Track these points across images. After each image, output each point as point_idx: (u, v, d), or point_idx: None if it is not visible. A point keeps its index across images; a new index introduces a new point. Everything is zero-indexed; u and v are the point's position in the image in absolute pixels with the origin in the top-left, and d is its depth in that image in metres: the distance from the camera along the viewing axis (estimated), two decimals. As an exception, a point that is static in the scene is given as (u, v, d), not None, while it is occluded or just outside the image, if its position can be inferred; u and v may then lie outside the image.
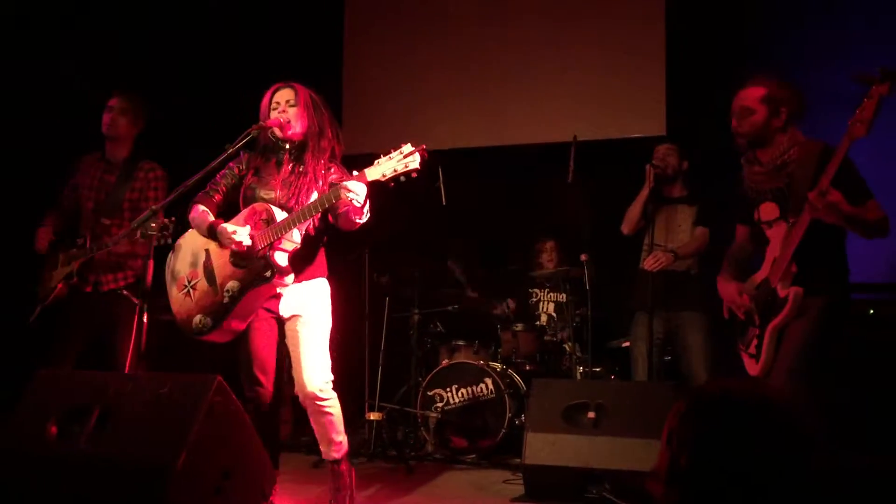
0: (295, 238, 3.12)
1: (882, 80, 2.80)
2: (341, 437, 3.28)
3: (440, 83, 6.23)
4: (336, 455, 3.27)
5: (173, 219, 3.01)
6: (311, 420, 3.25)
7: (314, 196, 3.14)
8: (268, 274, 3.04)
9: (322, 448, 3.29)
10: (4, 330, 4.61)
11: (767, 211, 3.13)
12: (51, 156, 4.58)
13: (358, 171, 3.06)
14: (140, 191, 3.95)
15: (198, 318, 3.16)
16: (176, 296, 3.26)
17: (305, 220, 3.09)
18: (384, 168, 2.95)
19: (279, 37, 6.17)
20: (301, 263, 3.20)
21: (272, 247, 3.07)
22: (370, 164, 3.02)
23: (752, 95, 3.11)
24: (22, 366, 3.81)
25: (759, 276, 3.14)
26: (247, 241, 3.08)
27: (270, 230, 3.08)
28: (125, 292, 3.91)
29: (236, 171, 3.32)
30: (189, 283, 3.23)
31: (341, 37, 6.56)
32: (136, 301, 3.90)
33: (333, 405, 3.23)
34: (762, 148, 3.13)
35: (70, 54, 5.21)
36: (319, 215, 3.16)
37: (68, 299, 3.89)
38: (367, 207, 3.04)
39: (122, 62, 5.38)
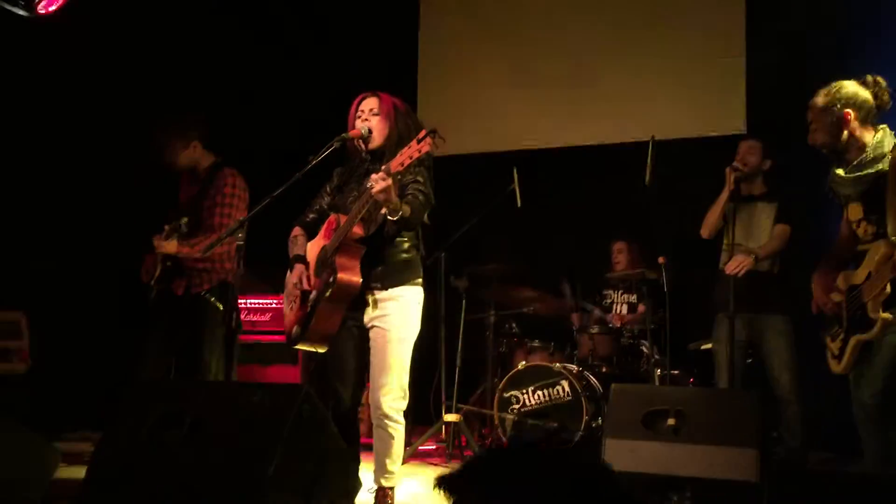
0: (357, 233, 3.10)
1: None
2: (395, 467, 3.20)
3: (515, 84, 6.23)
4: (384, 483, 3.19)
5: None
6: (374, 434, 3.21)
7: None
8: (331, 280, 3.07)
9: (374, 471, 3.22)
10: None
11: (854, 211, 3.10)
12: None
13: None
14: (222, 195, 4.03)
15: (294, 328, 3.27)
16: (286, 311, 3.39)
17: (356, 219, 3.05)
18: (402, 157, 2.89)
19: (356, 47, 6.27)
20: (385, 270, 3.20)
21: (336, 252, 3.10)
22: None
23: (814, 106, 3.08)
24: (114, 365, 4.02)
25: (855, 278, 3.07)
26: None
27: (335, 236, 3.12)
28: (210, 297, 4.01)
29: (328, 188, 3.40)
30: (293, 298, 3.34)
31: (416, 41, 6.62)
32: (220, 307, 4.03)
33: (397, 430, 3.18)
34: (846, 153, 3.07)
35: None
36: (385, 217, 3.09)
37: (158, 302, 4.03)
38: (398, 204, 2.96)
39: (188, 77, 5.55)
